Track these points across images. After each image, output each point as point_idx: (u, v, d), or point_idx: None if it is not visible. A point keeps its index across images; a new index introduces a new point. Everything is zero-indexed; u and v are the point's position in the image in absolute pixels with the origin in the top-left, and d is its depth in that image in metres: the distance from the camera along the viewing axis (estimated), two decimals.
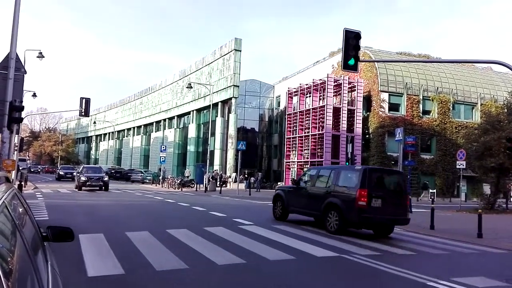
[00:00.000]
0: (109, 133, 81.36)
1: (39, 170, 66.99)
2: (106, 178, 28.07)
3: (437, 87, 39.47)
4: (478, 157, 24.14)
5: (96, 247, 7.82)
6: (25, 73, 15.80)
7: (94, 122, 78.69)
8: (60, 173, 44.18)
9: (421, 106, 38.92)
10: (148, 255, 7.25)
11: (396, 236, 11.66)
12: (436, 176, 38.02)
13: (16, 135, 17.88)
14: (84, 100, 28.33)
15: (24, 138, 42.94)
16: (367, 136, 38.39)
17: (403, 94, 38.40)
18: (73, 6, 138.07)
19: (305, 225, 12.48)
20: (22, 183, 23.63)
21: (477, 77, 42.15)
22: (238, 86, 44.83)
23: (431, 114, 39.29)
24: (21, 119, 14.23)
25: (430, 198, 29.18)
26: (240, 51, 44.65)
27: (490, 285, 6.34)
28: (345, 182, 11.50)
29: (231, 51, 44.86)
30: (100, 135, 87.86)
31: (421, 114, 38.86)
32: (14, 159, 17.05)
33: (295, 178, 35.44)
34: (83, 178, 26.99)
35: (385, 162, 36.82)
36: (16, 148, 20.67)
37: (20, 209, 2.45)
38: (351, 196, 10.87)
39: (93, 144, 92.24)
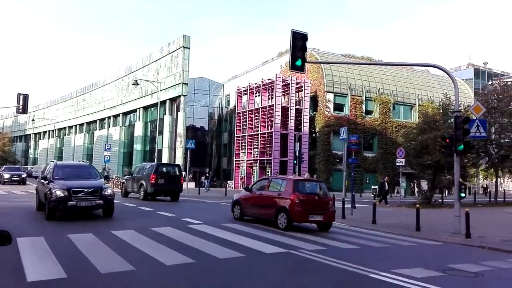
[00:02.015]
0: (49, 131, 77.11)
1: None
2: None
3: (379, 89, 41.36)
4: (416, 155, 25.60)
5: (36, 251, 7.41)
6: None
7: (33, 120, 74.18)
8: (5, 176, 35.51)
9: (364, 106, 40.59)
10: (92, 257, 6.99)
11: (341, 231, 12.12)
12: (378, 173, 39.86)
13: None
14: (22, 96, 26.68)
15: None
16: (314, 135, 39.44)
17: (347, 94, 39.83)
18: None
19: (256, 223, 12.60)
20: None
21: (415, 80, 44.69)
22: (187, 84, 44.22)
23: (373, 114, 41.10)
24: None
25: (372, 194, 30.64)
26: (189, 48, 44.06)
27: (428, 275, 6.77)
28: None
29: (179, 48, 44.16)
30: (40, 133, 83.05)
31: (364, 114, 40.53)
32: None
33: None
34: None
35: (330, 160, 38.05)
36: None
37: None
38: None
39: (32, 143, 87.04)
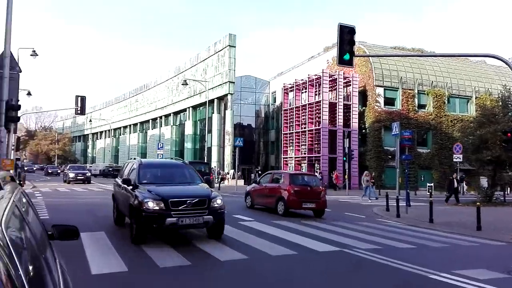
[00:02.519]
0: (105, 131, 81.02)
1: (34, 168, 67.81)
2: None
3: (432, 81, 39.58)
4: (474, 150, 24.23)
5: (98, 245, 7.80)
6: (20, 71, 15.72)
7: (90, 120, 78.33)
8: (70, 174, 35.31)
9: (416, 100, 39.00)
10: (151, 252, 7.24)
11: (396, 230, 11.72)
12: (433, 170, 38.18)
13: (13, 135, 17.77)
14: (79, 98, 28.15)
15: (20, 137, 42.72)
16: (364, 130, 38.48)
17: (398, 88, 38.46)
18: (67, 3, 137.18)
19: (299, 217, 12.49)
20: (21, 182, 23.53)
21: (471, 71, 42.28)
22: (233, 82, 44.72)
23: (426, 108, 39.40)
24: (18, 118, 14.16)
25: (428, 191, 29.36)
26: (235, 47, 44.51)
27: (491, 277, 6.39)
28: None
29: (225, 47, 44.71)
30: (97, 133, 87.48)
31: (416, 108, 38.95)
32: (12, 158, 16.95)
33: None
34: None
35: (382, 157, 36.96)
36: (13, 147, 20.56)
37: (27, 208, 2.44)
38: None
39: (90, 142, 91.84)
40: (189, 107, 53.58)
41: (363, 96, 38.76)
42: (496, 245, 9.93)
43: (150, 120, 66.22)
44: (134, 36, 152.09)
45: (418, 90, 39.06)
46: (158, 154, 38.32)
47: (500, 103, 26.04)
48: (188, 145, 53.34)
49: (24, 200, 2.35)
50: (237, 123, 49.66)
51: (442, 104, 39.66)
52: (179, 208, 8.06)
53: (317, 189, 14.78)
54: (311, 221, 12.38)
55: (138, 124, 70.96)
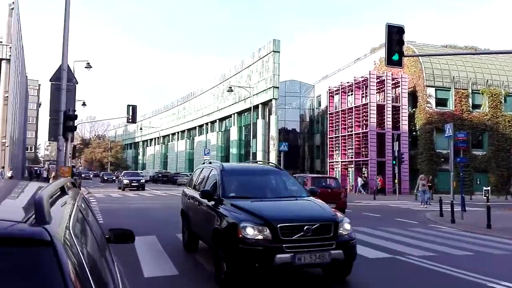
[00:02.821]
0: (155, 138, 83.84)
1: (90, 176, 70.01)
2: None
3: (487, 80, 37.55)
4: None
5: (149, 248, 8.05)
6: (77, 83, 16.60)
7: (141, 128, 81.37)
8: (124, 181, 34.51)
9: (470, 100, 37.15)
10: (200, 256, 7.38)
11: (451, 236, 11.18)
12: (490, 173, 36.13)
13: (70, 143, 18.81)
14: (131, 107, 29.30)
15: (76, 146, 45.21)
16: (414, 133, 37.16)
17: (450, 88, 36.84)
18: (116, 16, 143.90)
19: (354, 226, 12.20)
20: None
21: None
22: (278, 88, 44.82)
23: (481, 108, 37.40)
24: (75, 128, 14.92)
25: (485, 196, 27.76)
26: (279, 52, 44.64)
27: None
28: None
29: (269, 52, 44.95)
30: (147, 140, 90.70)
31: (470, 109, 37.09)
32: (69, 165, 17.93)
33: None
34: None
35: (434, 160, 35.48)
36: (70, 155, 21.76)
37: (89, 212, 2.56)
38: None
39: (140, 150, 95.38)
40: (234, 113, 54.30)
41: (413, 97, 37.47)
42: None
43: (197, 127, 67.77)
44: (182, 47, 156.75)
45: (472, 90, 37.20)
46: (204, 160, 39.08)
47: None
48: (233, 150, 54.02)
49: (84, 205, 2.46)
50: (282, 128, 49.67)
51: (499, 103, 37.50)
52: (293, 237, 5.35)
53: (337, 191, 16.07)
54: (357, 226, 12.08)
55: (186, 131, 72.83)
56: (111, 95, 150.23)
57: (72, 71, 21.22)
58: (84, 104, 39.31)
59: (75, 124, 15.33)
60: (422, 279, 6.46)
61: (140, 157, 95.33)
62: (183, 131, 74.02)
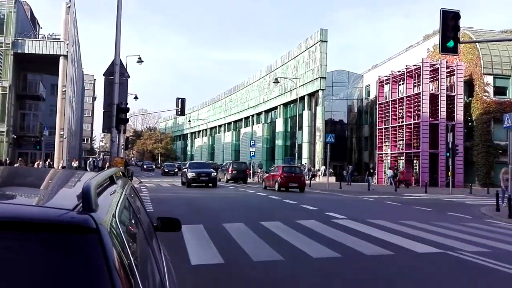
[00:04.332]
0: (202, 130, 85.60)
1: (153, 167, 66.53)
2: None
3: None
4: None
5: (196, 237, 8.29)
6: (129, 77, 17.30)
7: (189, 121, 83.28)
8: (190, 174, 28.73)
9: None
10: (245, 246, 7.50)
11: (507, 231, 10.57)
12: None
13: (123, 135, 19.65)
14: (180, 100, 30.07)
15: (129, 137, 47.12)
16: (470, 124, 35.27)
17: (510, 76, 34.54)
18: (164, 12, 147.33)
19: (404, 220, 11.87)
20: (129, 178, 25.90)
21: None
22: (325, 78, 44.06)
23: None
24: (127, 120, 15.59)
25: None
26: (326, 42, 43.79)
27: None
28: None
29: (316, 42, 44.23)
30: (195, 132, 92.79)
31: None
32: (122, 156, 18.77)
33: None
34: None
35: (491, 152, 33.55)
36: (122, 146, 22.76)
37: (137, 201, 2.67)
38: None
39: (189, 141, 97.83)
40: (280, 105, 54.14)
41: (469, 86, 35.53)
42: None
43: (243, 119, 68.32)
44: (230, 38, 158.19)
45: None
46: (250, 151, 39.40)
47: None
48: (279, 142, 53.98)
49: (133, 194, 2.56)
50: (328, 119, 48.89)
51: None
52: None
53: (299, 175, 25.01)
54: (407, 220, 11.72)
55: (232, 123, 73.66)
56: (162, 88, 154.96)
57: (124, 65, 22.06)
58: (136, 97, 40.84)
59: (127, 117, 16.01)
60: (472, 276, 6.17)
61: (188, 148, 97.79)
62: (229, 123, 74.92)
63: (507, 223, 12.43)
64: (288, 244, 7.92)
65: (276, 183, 24.12)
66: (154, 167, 63.77)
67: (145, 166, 62.00)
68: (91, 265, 1.17)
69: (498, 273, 6.19)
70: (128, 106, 15.60)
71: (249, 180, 35.86)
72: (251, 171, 40.30)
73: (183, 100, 30.09)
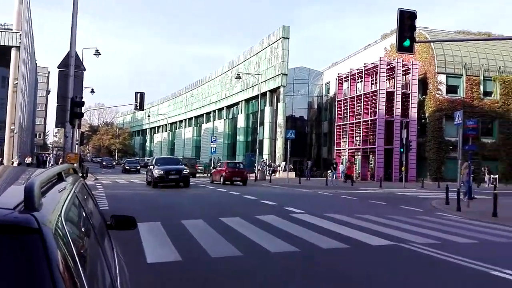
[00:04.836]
0: (162, 125, 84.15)
1: (113, 164, 60.83)
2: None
3: (500, 67, 36.90)
4: None
5: (154, 235, 8.15)
6: (84, 70, 16.66)
7: (148, 116, 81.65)
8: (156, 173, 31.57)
9: (481, 87, 36.62)
10: (203, 242, 7.45)
11: (456, 224, 11.14)
12: (499, 161, 35.77)
13: (77, 130, 18.95)
14: (139, 95, 29.42)
15: (84, 132, 45.41)
16: (423, 120, 36.81)
17: (462, 75, 36.32)
18: (126, 4, 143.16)
19: (359, 214, 12.24)
20: (84, 174, 25.06)
21: None
22: (286, 75, 44.50)
23: (492, 95, 36.86)
24: (82, 114, 15.01)
25: (492, 184, 27.49)
26: (288, 38, 44.20)
27: None
28: None
29: (279, 39, 44.53)
30: (154, 127, 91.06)
31: (481, 96, 36.59)
32: (77, 152, 18.11)
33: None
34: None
35: (443, 147, 35.19)
36: (77, 142, 21.96)
37: (88, 199, 2.58)
38: None
39: (148, 137, 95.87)
40: (241, 101, 54.16)
41: (423, 84, 37.04)
42: None
43: (204, 114, 67.80)
44: (190, 33, 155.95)
45: (484, 77, 36.65)
46: (211, 147, 39.15)
47: None
48: (240, 137, 54.05)
49: (84, 192, 2.47)
50: (289, 115, 49.45)
51: (510, 90, 36.92)
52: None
53: (242, 170, 27.45)
54: (362, 214, 12.10)
55: (193, 118, 72.92)
56: (121, 83, 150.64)
57: (81, 58, 21.23)
58: (92, 91, 39.51)
59: (83, 111, 15.43)
60: (423, 267, 6.47)
61: (147, 144, 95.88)
62: (190, 119, 74.12)
63: (455, 215, 13.09)
64: (247, 239, 7.95)
65: (221, 177, 26.33)
66: (114, 163, 61.42)
67: (104, 163, 58.85)
68: (33, 268, 1.10)
69: (447, 264, 6.51)
70: (83, 100, 15.02)
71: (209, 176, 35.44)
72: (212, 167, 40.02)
73: (142, 94, 29.47)
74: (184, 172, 22.53)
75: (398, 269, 6.33)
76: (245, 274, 5.84)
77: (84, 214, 2.03)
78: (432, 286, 5.62)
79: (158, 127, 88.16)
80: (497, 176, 30.81)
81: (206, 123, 67.01)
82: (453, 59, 36.31)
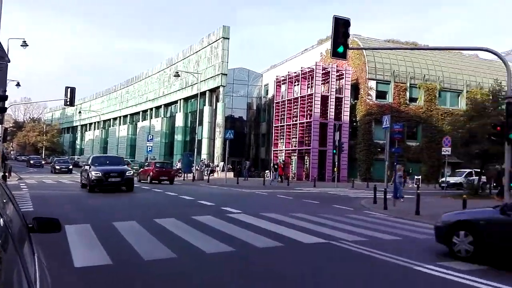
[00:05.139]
0: (94, 122, 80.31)
1: (43, 163, 56.92)
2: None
3: (424, 75, 39.78)
4: (463, 144, 24.45)
5: (83, 238, 7.76)
6: (9, 61, 15.50)
7: (80, 112, 77.46)
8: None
9: (408, 93, 39.19)
10: (136, 245, 7.22)
11: (382, 222, 11.83)
12: (422, 163, 38.52)
13: (0, 125, 17.54)
14: (69, 90, 27.79)
15: (8, 129, 42.03)
16: (355, 124, 38.63)
17: (390, 81, 38.59)
18: None
19: (294, 212, 12.56)
20: (6, 173, 23.24)
21: (463, 65, 42.51)
22: (226, 75, 44.51)
23: (417, 101, 39.63)
24: (5, 109, 13.98)
25: (415, 184, 29.56)
26: (228, 39, 44.24)
27: (473, 268, 6.49)
28: None
29: (219, 39, 44.42)
30: (86, 124, 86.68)
31: (407, 102, 39.17)
32: None
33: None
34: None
35: (372, 150, 37.17)
36: (0, 138, 20.31)
37: (4, 200, 2.40)
38: None
39: (79, 134, 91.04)
40: (180, 99, 53.27)
41: (355, 89, 38.85)
42: None
43: (141, 112, 65.76)
44: (127, 27, 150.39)
45: (410, 84, 39.24)
46: (147, 146, 38.11)
47: (491, 97, 26.22)
48: (178, 137, 53.13)
49: (2, 192, 2.31)
50: (229, 115, 49.52)
51: (433, 97, 39.92)
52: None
53: (169, 170, 28.90)
54: (296, 212, 12.45)
55: (128, 116, 70.43)
56: (51, 77, 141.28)
57: (6, 49, 19.65)
58: (18, 84, 36.67)
59: (6, 106, 14.34)
60: (352, 263, 6.79)
61: (78, 141, 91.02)
62: (125, 116, 71.53)
63: (382, 213, 13.90)
64: (182, 240, 7.83)
65: (148, 177, 27.07)
66: (43, 162, 57.41)
67: (32, 161, 54.50)
68: None
69: (374, 260, 6.89)
70: (7, 94, 13.96)
71: None
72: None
73: (72, 90, 27.89)
74: (127, 173, 19.67)
75: (329, 267, 6.58)
76: (179, 277, 5.74)
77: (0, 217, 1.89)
78: (360, 280, 5.92)
79: (90, 124, 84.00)
80: (420, 177, 33.10)
81: (142, 121, 65.01)
82: (383, 66, 38.51)
